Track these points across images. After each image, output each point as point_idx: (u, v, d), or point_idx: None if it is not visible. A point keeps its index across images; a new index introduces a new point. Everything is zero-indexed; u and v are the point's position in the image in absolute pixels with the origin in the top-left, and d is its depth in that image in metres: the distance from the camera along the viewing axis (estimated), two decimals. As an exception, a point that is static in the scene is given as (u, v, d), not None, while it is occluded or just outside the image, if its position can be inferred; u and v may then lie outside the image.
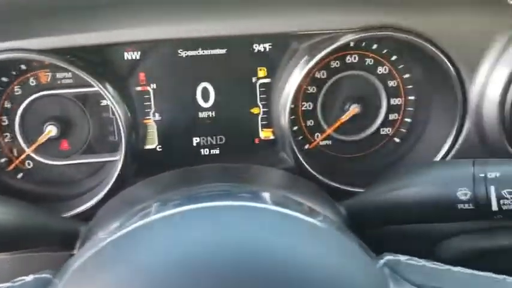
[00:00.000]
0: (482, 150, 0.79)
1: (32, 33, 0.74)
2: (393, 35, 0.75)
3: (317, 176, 0.80)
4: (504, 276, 0.45)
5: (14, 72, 0.80)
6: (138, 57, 0.80)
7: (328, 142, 0.87)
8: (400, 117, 0.87)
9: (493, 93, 0.75)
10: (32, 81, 0.81)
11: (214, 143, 0.85)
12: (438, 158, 0.80)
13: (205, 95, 0.83)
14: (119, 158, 0.78)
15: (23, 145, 0.82)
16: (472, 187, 0.58)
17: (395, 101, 0.86)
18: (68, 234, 0.63)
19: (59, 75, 0.81)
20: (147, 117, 0.83)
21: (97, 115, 0.83)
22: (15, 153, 0.83)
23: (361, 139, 0.87)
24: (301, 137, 0.87)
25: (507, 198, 0.57)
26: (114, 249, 0.43)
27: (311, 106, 0.85)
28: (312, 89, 0.85)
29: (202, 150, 0.85)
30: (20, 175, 0.84)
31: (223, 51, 0.81)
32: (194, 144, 0.85)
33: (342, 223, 0.59)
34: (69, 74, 0.80)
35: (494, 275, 0.45)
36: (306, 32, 0.78)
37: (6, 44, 0.74)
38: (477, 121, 0.77)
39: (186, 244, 0.41)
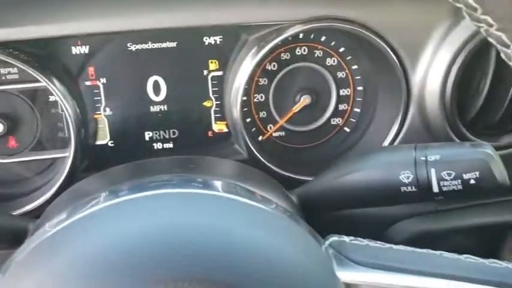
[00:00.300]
0: (427, 136, 0.82)
1: None
2: (337, 25, 0.77)
3: (271, 166, 0.81)
4: (441, 251, 0.47)
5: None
6: (86, 52, 0.79)
7: (281, 133, 0.89)
8: (349, 108, 0.89)
9: (434, 81, 0.77)
10: None
11: (167, 137, 0.85)
12: (385, 145, 0.83)
13: (157, 89, 0.83)
14: (69, 154, 0.76)
15: (-32, 143, 0.80)
16: (414, 170, 0.60)
17: (344, 92, 0.88)
18: (17, 232, 0.62)
19: (3, 70, 0.78)
20: (98, 112, 0.82)
21: (46, 111, 0.81)
22: None
23: (313, 129, 0.89)
24: (254, 128, 0.88)
25: (446, 180, 0.60)
26: (55, 241, 0.43)
27: (263, 98, 0.86)
28: (263, 81, 0.86)
29: (155, 144, 0.85)
30: (-34, 174, 0.82)
31: (173, 44, 0.81)
32: (147, 138, 0.85)
33: (291, 209, 0.60)
34: (15, 69, 0.78)
35: (432, 251, 0.47)
36: (254, 24, 0.78)
37: None
38: (421, 108, 0.80)
39: (126, 233, 0.41)
